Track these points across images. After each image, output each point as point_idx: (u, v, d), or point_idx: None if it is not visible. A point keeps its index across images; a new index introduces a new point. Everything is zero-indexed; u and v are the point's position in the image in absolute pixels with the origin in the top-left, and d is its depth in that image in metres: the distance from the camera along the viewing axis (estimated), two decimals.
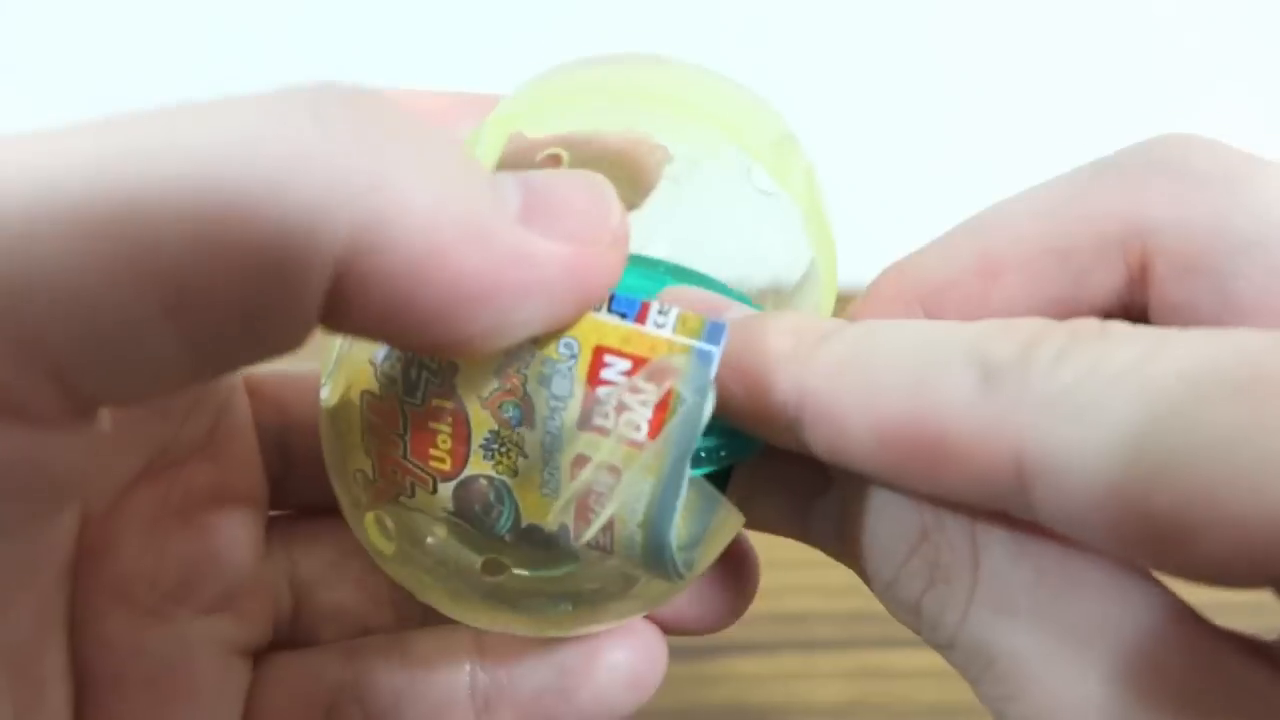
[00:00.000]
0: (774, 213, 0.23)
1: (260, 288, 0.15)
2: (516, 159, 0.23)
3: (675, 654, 0.37)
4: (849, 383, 0.17)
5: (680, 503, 0.17)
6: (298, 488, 0.24)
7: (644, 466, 0.17)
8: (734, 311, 0.20)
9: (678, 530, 0.18)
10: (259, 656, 0.24)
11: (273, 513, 0.25)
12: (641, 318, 0.18)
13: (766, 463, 0.21)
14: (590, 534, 0.18)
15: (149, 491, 0.22)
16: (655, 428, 0.17)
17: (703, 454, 0.20)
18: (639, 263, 0.25)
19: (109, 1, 0.46)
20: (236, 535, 0.23)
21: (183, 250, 0.14)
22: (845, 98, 0.48)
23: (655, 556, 0.18)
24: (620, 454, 0.17)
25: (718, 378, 0.18)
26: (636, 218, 0.25)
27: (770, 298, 0.24)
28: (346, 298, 0.15)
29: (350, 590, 0.24)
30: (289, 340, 0.16)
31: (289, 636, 0.24)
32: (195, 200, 0.14)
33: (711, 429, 0.20)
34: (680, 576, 0.18)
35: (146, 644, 0.21)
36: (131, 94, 0.45)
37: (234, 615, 0.23)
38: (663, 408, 0.17)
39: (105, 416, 0.19)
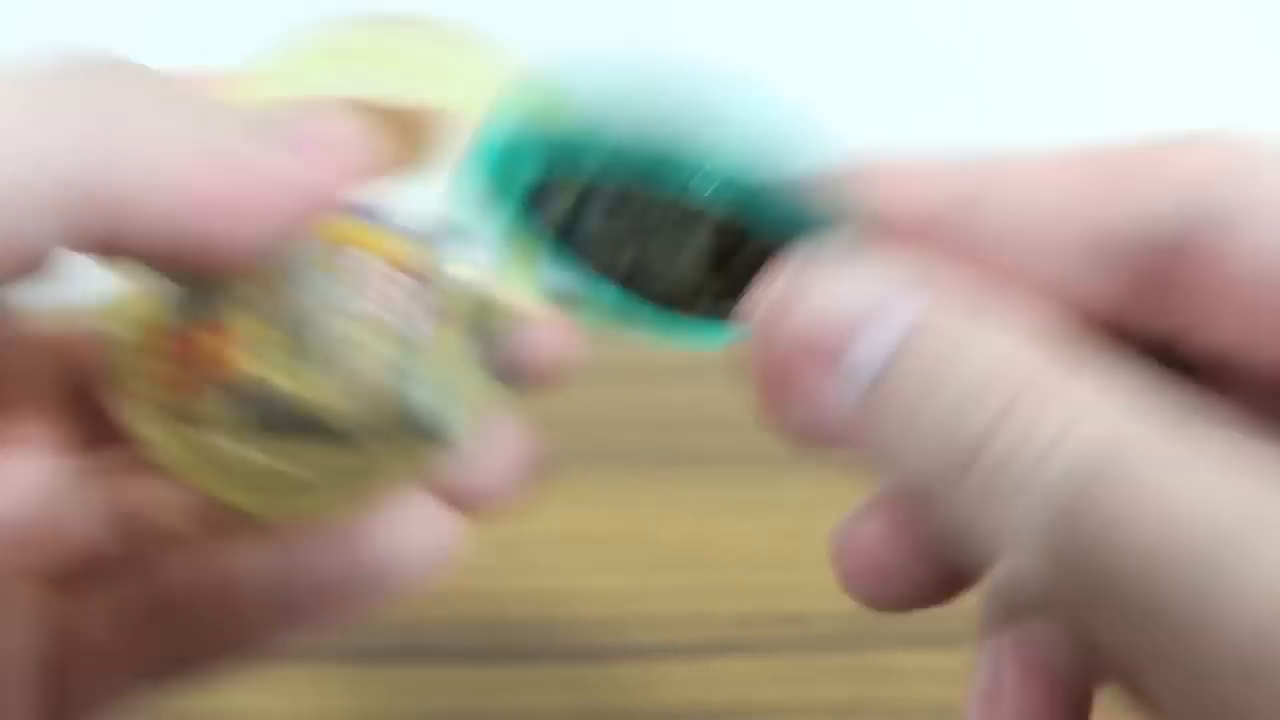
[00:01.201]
0: None
1: None
2: None
3: (675, 654, 0.37)
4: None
5: (433, 375, 0.20)
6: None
7: (397, 341, 0.20)
8: None
9: (438, 402, 0.20)
10: (74, 591, 0.23)
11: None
12: (390, 219, 0.20)
13: None
14: (353, 410, 0.20)
15: None
16: (413, 307, 0.20)
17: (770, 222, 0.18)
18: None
19: None
20: (22, 478, 0.23)
21: None
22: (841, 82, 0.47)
23: (412, 426, 0.20)
24: (379, 332, 0.20)
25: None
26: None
27: None
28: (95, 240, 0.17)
29: (173, 515, 0.24)
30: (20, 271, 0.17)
31: (118, 566, 0.24)
32: None
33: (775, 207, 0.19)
34: (438, 443, 0.21)
35: None
36: None
37: (29, 552, 0.22)
38: (421, 287, 0.20)
39: None
